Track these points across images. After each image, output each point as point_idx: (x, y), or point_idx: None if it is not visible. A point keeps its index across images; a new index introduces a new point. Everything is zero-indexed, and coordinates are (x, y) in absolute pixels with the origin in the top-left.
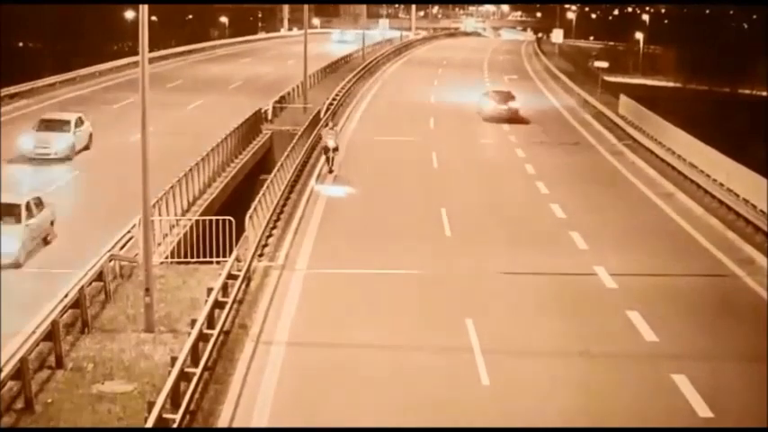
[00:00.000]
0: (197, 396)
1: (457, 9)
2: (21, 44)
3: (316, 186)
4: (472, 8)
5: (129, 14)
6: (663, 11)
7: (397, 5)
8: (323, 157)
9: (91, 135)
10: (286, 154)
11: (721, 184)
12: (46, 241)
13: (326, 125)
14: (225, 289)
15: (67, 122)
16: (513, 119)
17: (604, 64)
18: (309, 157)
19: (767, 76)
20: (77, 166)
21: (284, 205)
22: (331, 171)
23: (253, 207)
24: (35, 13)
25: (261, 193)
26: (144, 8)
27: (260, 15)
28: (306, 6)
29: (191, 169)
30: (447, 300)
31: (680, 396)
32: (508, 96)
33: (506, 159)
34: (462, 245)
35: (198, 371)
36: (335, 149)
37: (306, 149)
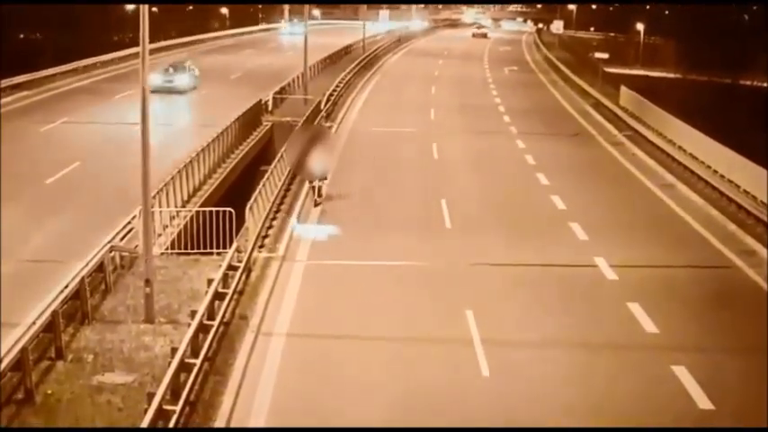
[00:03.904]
0: (197, 387)
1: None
2: (21, 35)
3: (297, 227)
4: None
5: (130, 5)
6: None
7: None
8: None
9: None
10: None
11: (722, 176)
12: None
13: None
14: (225, 280)
15: None
16: (483, 37)
17: (604, 55)
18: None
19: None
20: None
21: (284, 196)
22: (317, 204)
23: (253, 198)
24: (35, 4)
25: (261, 184)
26: (145, 6)
27: (260, 7)
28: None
29: (191, 160)
30: (447, 291)
31: (680, 387)
32: (482, 27)
33: (507, 150)
34: (462, 236)
35: (198, 362)
36: (323, 178)
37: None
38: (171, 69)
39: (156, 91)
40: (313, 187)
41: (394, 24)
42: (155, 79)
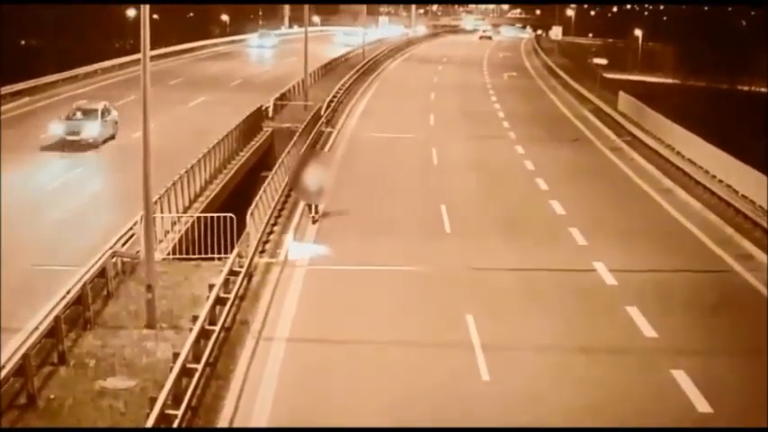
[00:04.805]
0: (199, 392)
1: (457, 6)
2: (23, 42)
3: (292, 245)
4: (472, 5)
5: (131, 12)
6: (661, 8)
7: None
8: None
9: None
10: (287, 151)
11: (720, 180)
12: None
13: (311, 154)
14: (226, 285)
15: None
16: (488, 39)
17: (603, 61)
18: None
19: (766, 72)
20: (81, 162)
21: (285, 202)
22: (315, 221)
23: (254, 204)
24: (37, 11)
25: (262, 189)
26: (146, 8)
27: (260, 13)
28: (306, 5)
29: (192, 166)
30: (447, 296)
31: (679, 391)
32: (486, 31)
33: (506, 156)
34: (462, 241)
35: (200, 367)
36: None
37: (307, 146)
38: (78, 114)
39: (49, 149)
40: (309, 205)
41: (391, 31)
42: (55, 129)
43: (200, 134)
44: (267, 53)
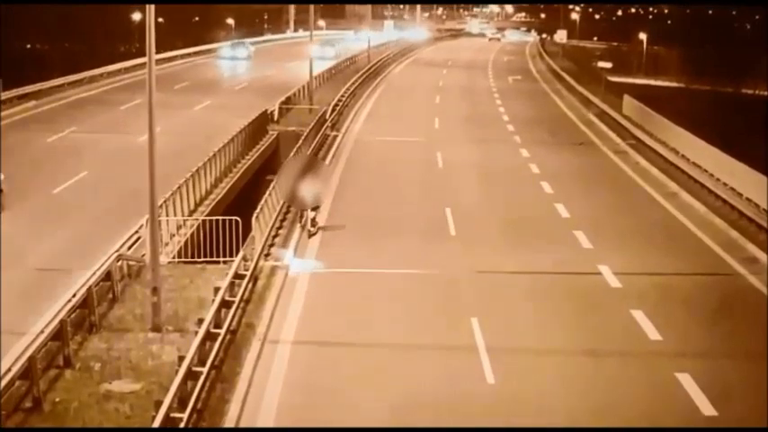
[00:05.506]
0: (204, 395)
1: (461, 10)
2: (28, 46)
3: (293, 261)
4: (477, 9)
5: (137, 16)
6: (666, 11)
7: (402, 6)
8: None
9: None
10: (292, 154)
11: (725, 184)
12: None
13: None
14: (232, 288)
15: None
16: (497, 41)
17: (608, 64)
18: None
19: None
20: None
21: (290, 205)
22: (311, 235)
23: (259, 207)
24: (42, 14)
25: (267, 193)
26: (150, 8)
27: (266, 17)
28: (311, 7)
29: (198, 170)
30: (452, 299)
31: (684, 394)
32: (495, 34)
33: (511, 159)
34: (467, 244)
35: (205, 370)
36: (316, 207)
37: (312, 150)
38: None
39: None
40: (302, 215)
41: (396, 35)
42: None
43: (206, 138)
44: (266, 57)
